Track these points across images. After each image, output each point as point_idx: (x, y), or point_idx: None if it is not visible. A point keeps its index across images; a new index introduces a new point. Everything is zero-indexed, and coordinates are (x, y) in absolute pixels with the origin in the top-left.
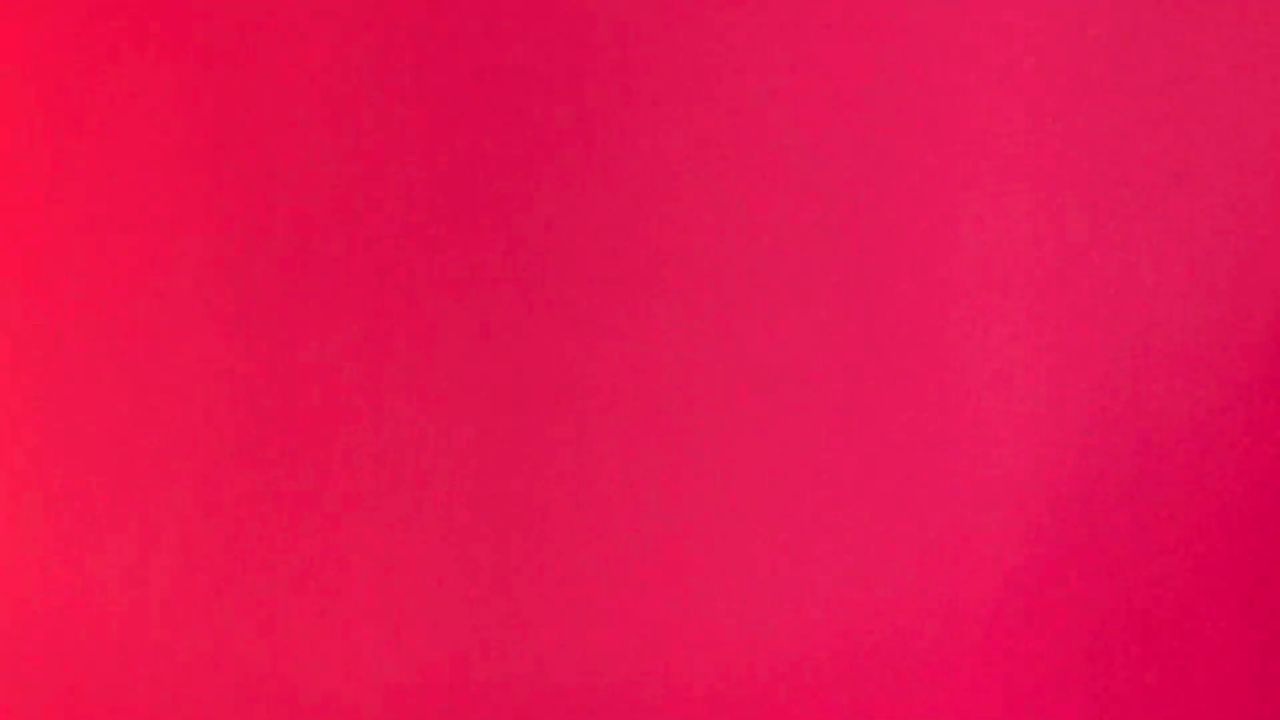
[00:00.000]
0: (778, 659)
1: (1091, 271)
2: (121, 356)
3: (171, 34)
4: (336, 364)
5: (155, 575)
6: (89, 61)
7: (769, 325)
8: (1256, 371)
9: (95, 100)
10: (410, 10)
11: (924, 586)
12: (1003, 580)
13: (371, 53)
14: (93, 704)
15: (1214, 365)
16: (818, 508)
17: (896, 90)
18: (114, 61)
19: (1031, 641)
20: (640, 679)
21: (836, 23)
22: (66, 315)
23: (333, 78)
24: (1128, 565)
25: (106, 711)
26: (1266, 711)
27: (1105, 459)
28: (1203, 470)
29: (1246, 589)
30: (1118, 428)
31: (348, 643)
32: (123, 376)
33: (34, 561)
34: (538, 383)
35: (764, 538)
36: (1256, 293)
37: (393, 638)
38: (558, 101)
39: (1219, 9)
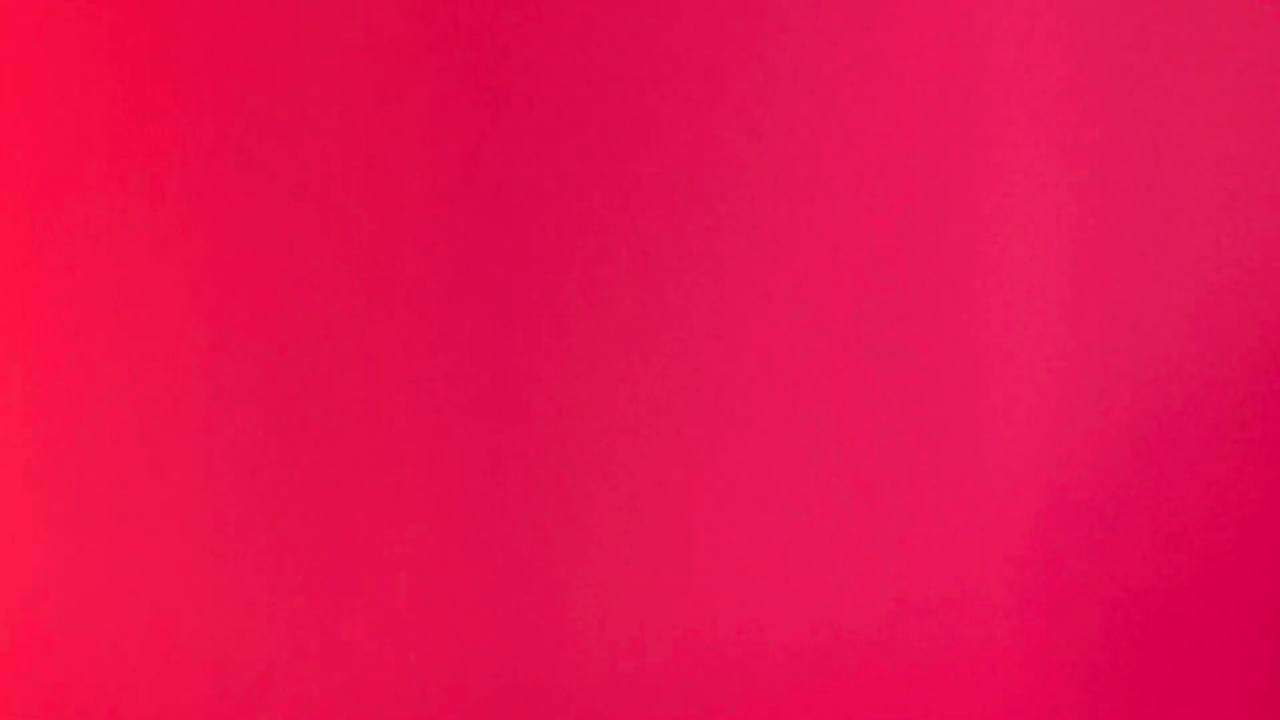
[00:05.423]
0: (785, 657)
1: (1099, 271)
2: (122, 356)
3: (175, 32)
4: (340, 363)
5: (155, 576)
6: (92, 62)
7: (776, 324)
8: (1262, 371)
9: (97, 100)
10: (410, 13)
11: (932, 585)
12: (1010, 579)
13: (373, 54)
14: (93, 704)
15: (1219, 365)
16: (827, 506)
17: (909, 93)
18: (117, 62)
19: (1038, 641)
20: (645, 677)
21: (854, 25)
22: (66, 315)
23: (335, 79)
24: (1134, 565)
25: (107, 711)
26: (1268, 711)
27: (1113, 458)
28: (1209, 471)
29: (1252, 589)
30: (1124, 427)
31: (349, 643)
32: (123, 376)
33: (34, 561)
34: (545, 382)
35: (772, 536)
36: (1262, 293)
37: (393, 638)
38: (570, 103)
39: (1224, 12)
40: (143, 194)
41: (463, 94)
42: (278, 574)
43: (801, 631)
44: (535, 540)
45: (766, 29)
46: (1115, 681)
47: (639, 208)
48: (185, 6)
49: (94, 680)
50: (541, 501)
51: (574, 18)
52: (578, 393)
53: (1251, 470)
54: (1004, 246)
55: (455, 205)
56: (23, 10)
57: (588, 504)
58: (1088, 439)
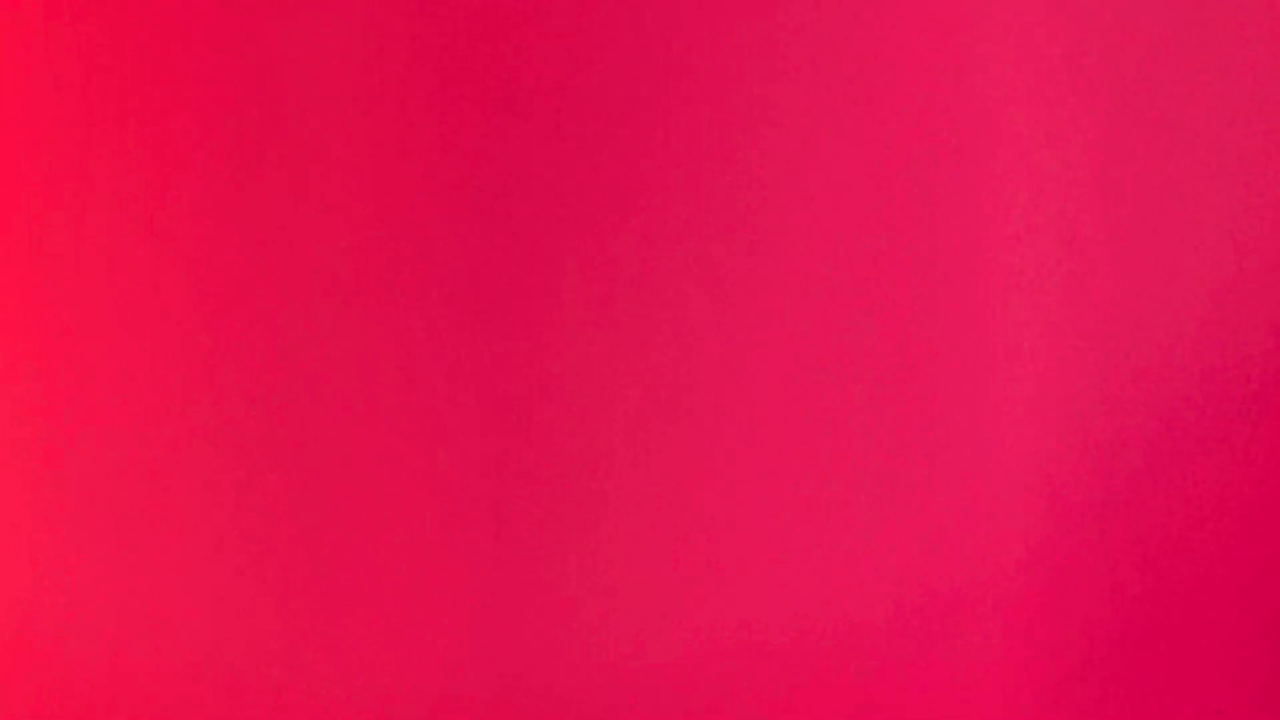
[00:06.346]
0: (786, 657)
1: (1099, 271)
2: (122, 356)
3: (176, 32)
4: (341, 364)
5: (155, 576)
6: (93, 62)
7: (777, 326)
8: (1262, 371)
9: (97, 100)
10: (410, 13)
11: (932, 585)
12: (1011, 578)
13: (374, 54)
14: (93, 704)
15: (1220, 365)
16: (829, 506)
17: (909, 93)
18: (118, 62)
19: (1038, 641)
20: (646, 677)
21: (854, 25)
22: (67, 315)
23: (336, 80)
24: (1134, 564)
25: (107, 712)
26: (1268, 711)
27: (1113, 459)
28: (1209, 470)
29: (1252, 589)
30: (1125, 427)
31: (349, 643)
32: (123, 376)
33: (34, 561)
34: (546, 382)
35: (773, 536)
36: (1262, 293)
37: (393, 639)
38: (571, 104)
39: (1224, 11)
40: (143, 194)
41: (463, 95)
42: (278, 574)
43: (802, 632)
44: (536, 540)
45: (767, 29)
46: (1115, 681)
47: (640, 209)
48: (185, 7)
49: (94, 680)
50: (542, 502)
51: (575, 18)
52: (578, 393)
53: (1251, 470)
54: (1004, 246)
55: (456, 207)
56: (23, 10)
57: (588, 505)
58: (1088, 439)
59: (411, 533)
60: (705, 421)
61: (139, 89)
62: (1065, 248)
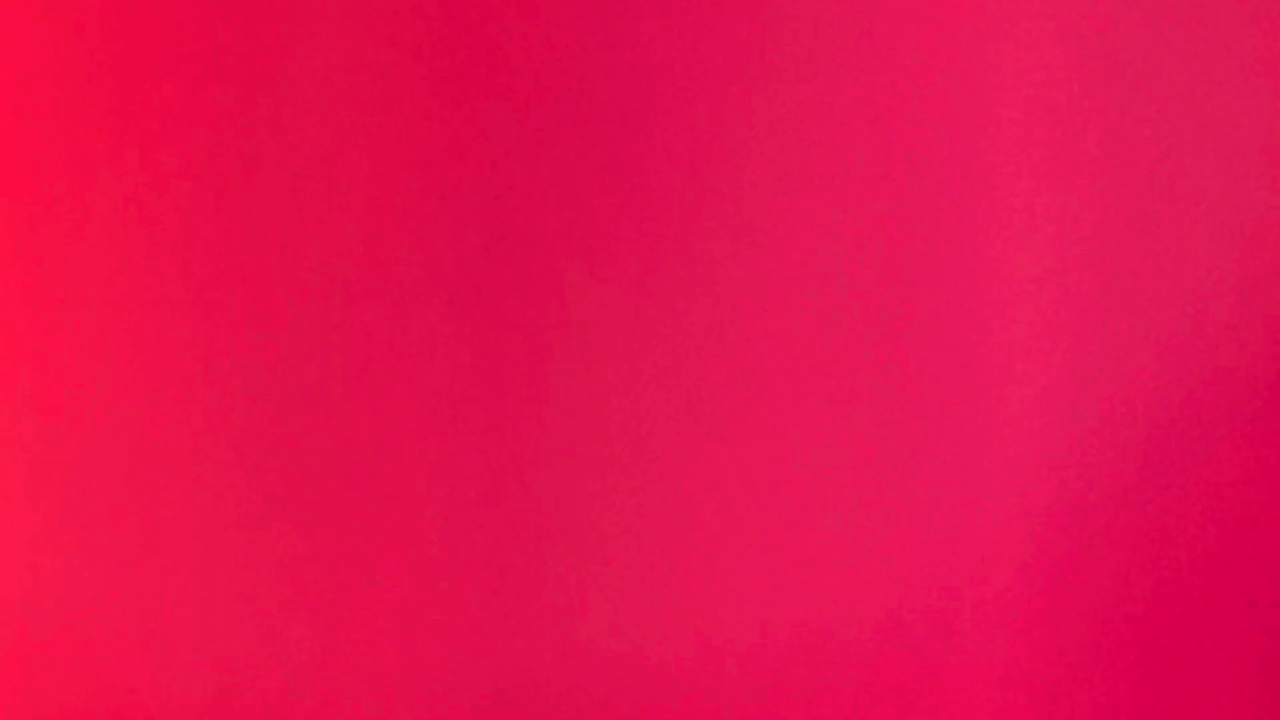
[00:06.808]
0: (787, 658)
1: (1100, 273)
2: (123, 356)
3: (175, 32)
4: (342, 365)
5: (155, 577)
6: (92, 62)
7: (778, 329)
8: (1263, 371)
9: (97, 100)
10: (410, 13)
11: (933, 586)
12: (1011, 580)
13: (373, 54)
14: (93, 704)
15: (1220, 366)
16: (830, 509)
17: (909, 93)
18: (117, 62)
19: (1038, 641)
20: (646, 678)
21: (854, 25)
22: (67, 315)
23: (335, 79)
24: (1134, 566)
25: (107, 712)
26: (1268, 711)
27: (1113, 459)
28: (1209, 471)
29: (1252, 589)
30: (1124, 428)
31: (350, 645)
32: (124, 376)
33: (34, 561)
34: (548, 385)
35: (774, 538)
36: (1262, 293)
37: (394, 641)
38: (571, 104)
39: (1224, 11)
40: (143, 194)
41: (464, 95)
42: (278, 574)
43: (803, 632)
44: (537, 541)
45: (768, 30)
46: (1115, 681)
47: (642, 210)
48: (185, 7)
49: (94, 680)
50: (544, 503)
51: (576, 18)
52: (581, 393)
53: (1252, 470)
54: (1004, 246)
55: (456, 206)
56: (23, 10)
57: (590, 507)
58: (1088, 440)
59: (412, 533)
60: (706, 422)
61: (139, 89)
62: (1065, 248)
